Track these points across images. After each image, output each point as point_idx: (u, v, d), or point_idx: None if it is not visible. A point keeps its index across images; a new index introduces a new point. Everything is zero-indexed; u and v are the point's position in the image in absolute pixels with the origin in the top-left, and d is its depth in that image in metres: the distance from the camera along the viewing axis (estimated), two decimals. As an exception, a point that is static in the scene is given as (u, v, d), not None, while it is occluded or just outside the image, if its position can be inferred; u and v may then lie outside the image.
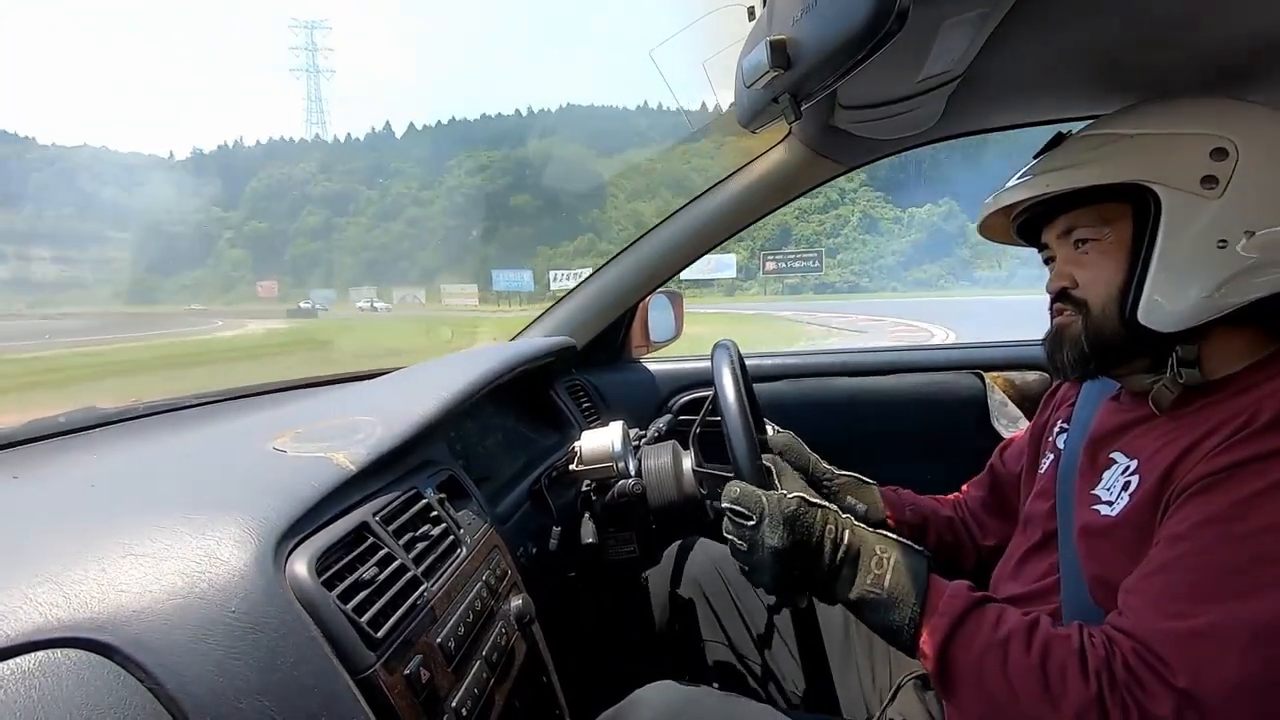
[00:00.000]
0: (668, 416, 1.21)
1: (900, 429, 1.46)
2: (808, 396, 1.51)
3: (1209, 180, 0.66)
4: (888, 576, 0.70)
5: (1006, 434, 1.39)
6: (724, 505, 0.77)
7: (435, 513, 0.75)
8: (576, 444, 1.03)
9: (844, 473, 1.05)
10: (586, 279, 1.58)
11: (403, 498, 0.71)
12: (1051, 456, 0.88)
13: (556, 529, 1.02)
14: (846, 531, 0.73)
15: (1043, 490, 0.87)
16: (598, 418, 1.46)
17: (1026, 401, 1.44)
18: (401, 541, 0.67)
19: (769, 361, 1.56)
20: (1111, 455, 0.75)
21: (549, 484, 1.05)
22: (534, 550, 0.99)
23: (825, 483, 1.03)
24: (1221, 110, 0.68)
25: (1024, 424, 1.40)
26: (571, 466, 1.02)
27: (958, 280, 66.28)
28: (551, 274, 71.96)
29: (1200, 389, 0.69)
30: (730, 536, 0.76)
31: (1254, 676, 0.54)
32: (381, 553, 0.62)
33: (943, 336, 16.62)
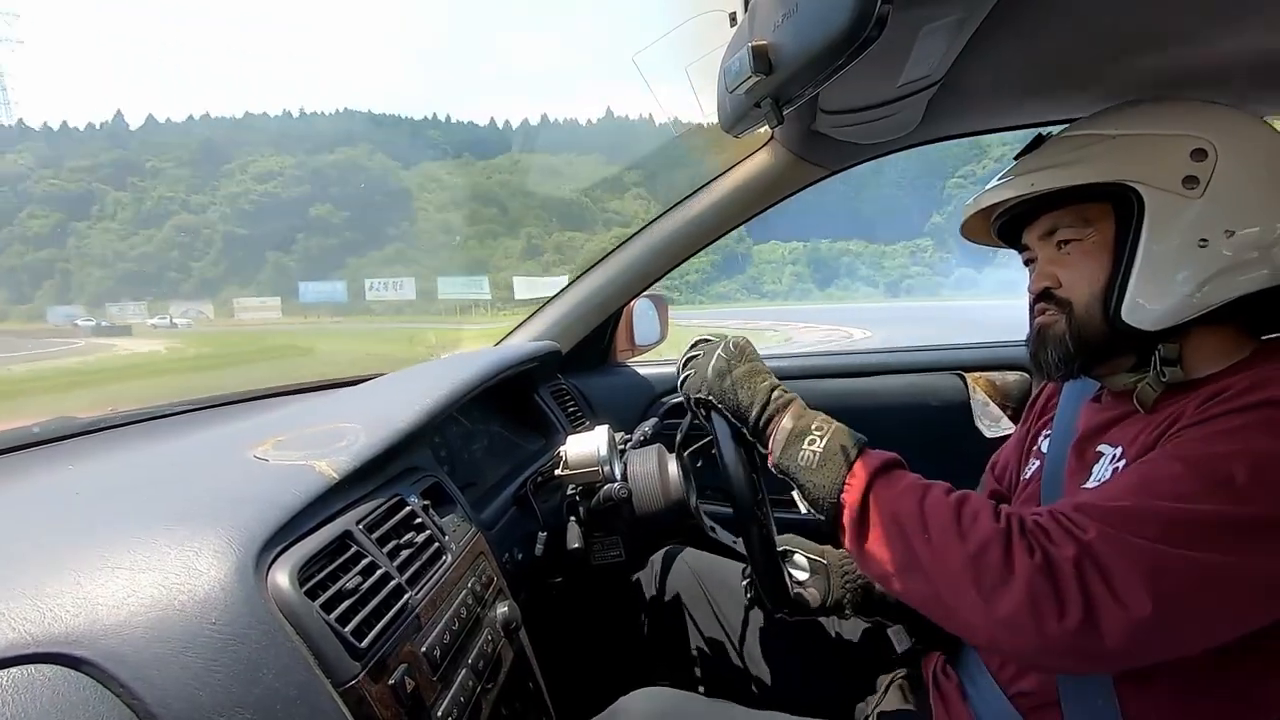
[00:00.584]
0: (653, 420, 1.21)
1: (886, 430, 1.47)
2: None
3: (1190, 180, 0.67)
4: (826, 437, 0.73)
5: (989, 434, 1.41)
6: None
7: (419, 520, 0.74)
8: (562, 449, 1.02)
9: None
10: (570, 283, 1.57)
11: (386, 505, 0.71)
12: (1037, 463, 0.88)
13: (542, 534, 1.01)
14: (794, 403, 0.78)
15: (1029, 495, 0.87)
16: (583, 422, 1.45)
17: (1008, 401, 1.46)
18: (385, 549, 0.66)
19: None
20: (1099, 449, 0.76)
21: (535, 489, 1.05)
22: (520, 556, 0.99)
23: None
24: (1199, 112, 0.70)
25: (1005, 424, 1.42)
26: (557, 471, 1.02)
27: (749, 294, 75.64)
28: (368, 283, 69.37)
29: (1182, 386, 0.70)
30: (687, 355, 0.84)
31: (1155, 557, 0.56)
32: (365, 561, 0.62)
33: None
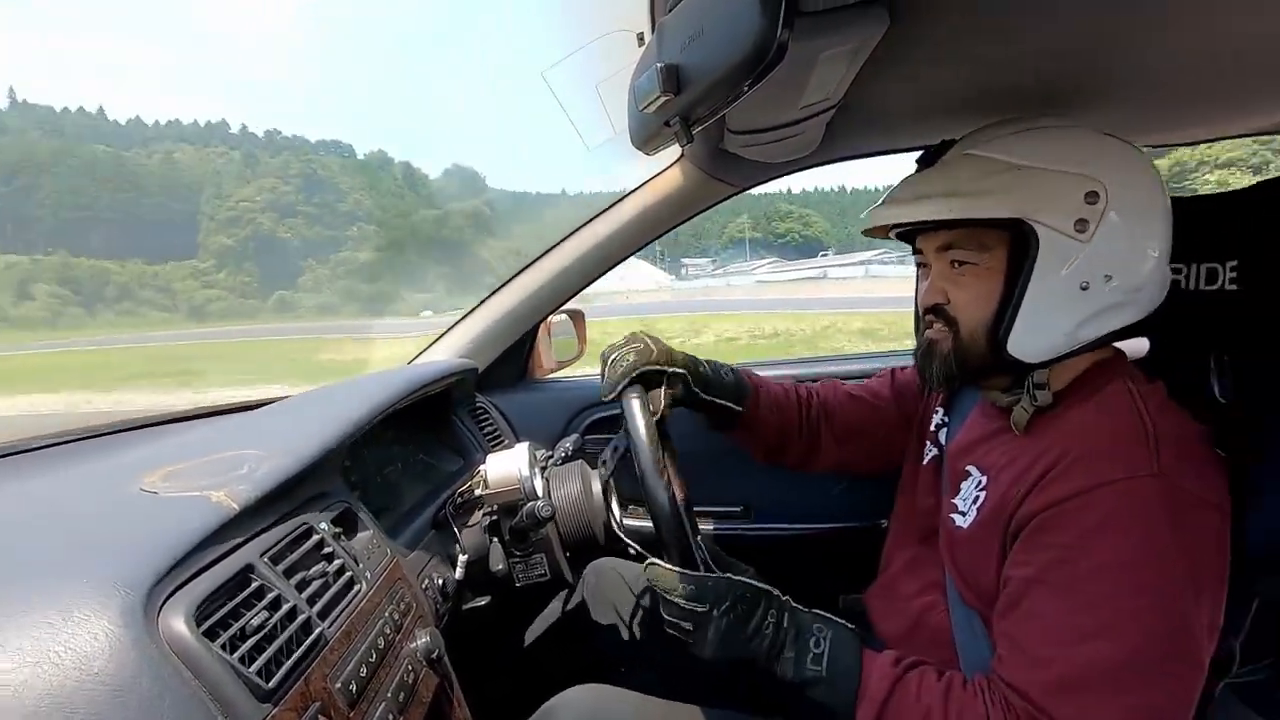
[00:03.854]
0: (574, 436, 1.20)
1: None
2: None
3: (1081, 224, 0.70)
4: (825, 657, 0.72)
5: None
6: (663, 598, 0.76)
7: (329, 549, 0.71)
8: (481, 468, 1.00)
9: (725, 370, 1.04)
10: (484, 300, 1.55)
11: (293, 534, 0.67)
12: (934, 451, 0.94)
13: (463, 557, 0.98)
14: (786, 615, 0.75)
15: (928, 486, 0.93)
16: (502, 441, 1.43)
17: None
18: (293, 581, 0.62)
19: None
20: (968, 468, 0.82)
21: (454, 511, 1.02)
22: (440, 581, 0.96)
23: (720, 377, 1.02)
24: (1094, 150, 0.73)
25: None
26: (477, 492, 0.99)
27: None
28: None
29: (1050, 408, 0.76)
30: (670, 618, 0.76)
31: (1121, 713, 0.61)
32: (270, 595, 0.58)
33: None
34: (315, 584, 0.65)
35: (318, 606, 0.63)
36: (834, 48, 0.65)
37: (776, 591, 0.77)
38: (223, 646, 0.50)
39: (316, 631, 0.60)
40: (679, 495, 0.82)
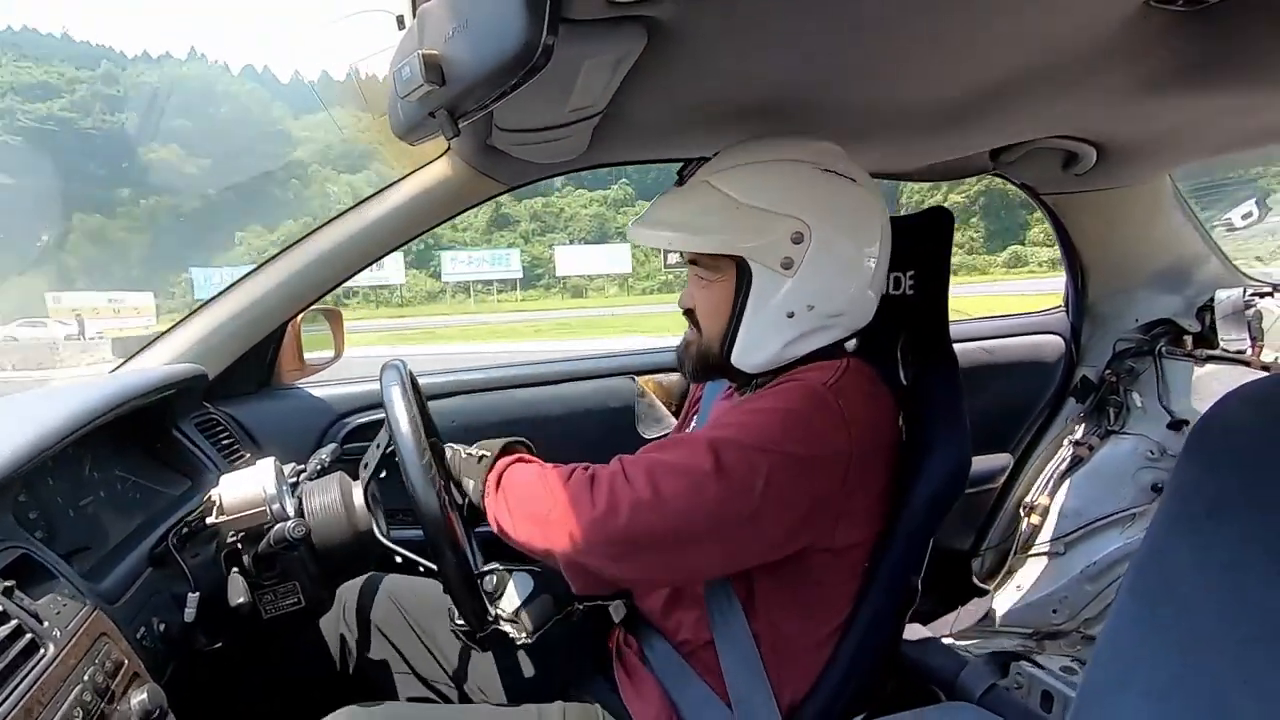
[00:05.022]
0: (332, 446, 1.10)
1: (578, 432, 1.57)
2: (489, 410, 1.52)
3: (787, 261, 0.84)
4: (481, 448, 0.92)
5: (648, 435, 1.58)
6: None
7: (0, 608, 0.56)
8: (214, 491, 0.87)
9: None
10: (218, 295, 1.34)
11: (-62, 598, 0.52)
12: (694, 424, 1.06)
13: (194, 595, 0.84)
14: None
15: None
16: (242, 456, 1.25)
17: (672, 399, 1.67)
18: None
19: (441, 379, 1.53)
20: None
21: (179, 543, 0.87)
22: (162, 627, 0.81)
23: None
24: (808, 190, 0.85)
25: (668, 423, 1.62)
26: (209, 519, 0.85)
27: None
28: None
29: None
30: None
31: (655, 462, 0.80)
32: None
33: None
34: (-25, 656, 0.51)
35: (-20, 684, 0.50)
36: (596, 56, 0.67)
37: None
38: None
39: (-21, 716, 0.47)
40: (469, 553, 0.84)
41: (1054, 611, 1.73)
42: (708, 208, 0.87)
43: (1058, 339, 1.80)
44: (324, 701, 0.91)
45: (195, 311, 1.34)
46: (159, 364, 1.26)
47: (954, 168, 1.42)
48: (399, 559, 0.87)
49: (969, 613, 1.85)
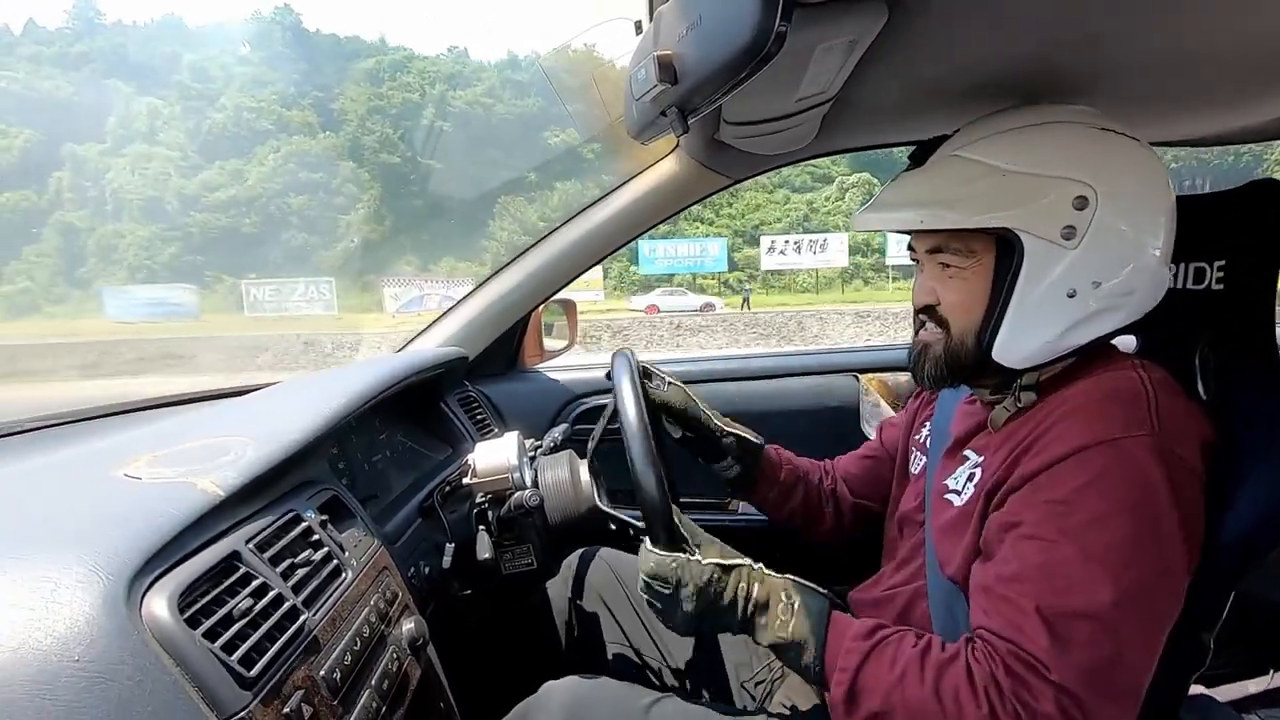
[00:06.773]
0: (564, 426, 1.20)
1: (787, 430, 1.54)
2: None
3: (1069, 230, 0.70)
4: (792, 623, 0.73)
5: (874, 437, 1.49)
6: (641, 577, 0.77)
7: (316, 536, 0.70)
8: (470, 457, 1.00)
9: (733, 428, 1.07)
10: (475, 289, 1.54)
11: (279, 522, 0.66)
12: (923, 459, 0.95)
13: (450, 546, 0.98)
14: (756, 585, 0.76)
15: (917, 491, 0.93)
16: (492, 429, 1.42)
17: (899, 400, 1.55)
18: (279, 569, 0.62)
19: (664, 369, 1.59)
20: (965, 453, 0.82)
21: (442, 500, 1.01)
22: (426, 570, 0.95)
23: (717, 436, 1.05)
24: (1089, 149, 0.72)
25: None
26: (465, 480, 0.99)
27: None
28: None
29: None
30: (647, 598, 0.78)
31: (1098, 660, 0.62)
32: (255, 583, 0.58)
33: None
34: (301, 572, 0.64)
35: (303, 595, 0.62)
36: (831, 40, 0.64)
37: (747, 561, 0.78)
38: (206, 634, 0.50)
39: (301, 620, 0.59)
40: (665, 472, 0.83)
41: None
42: (964, 179, 0.74)
43: None
44: (543, 660, 1.01)
45: (461, 301, 1.55)
46: (433, 345, 1.49)
47: (1269, 128, 1.12)
48: (613, 525, 0.92)
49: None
